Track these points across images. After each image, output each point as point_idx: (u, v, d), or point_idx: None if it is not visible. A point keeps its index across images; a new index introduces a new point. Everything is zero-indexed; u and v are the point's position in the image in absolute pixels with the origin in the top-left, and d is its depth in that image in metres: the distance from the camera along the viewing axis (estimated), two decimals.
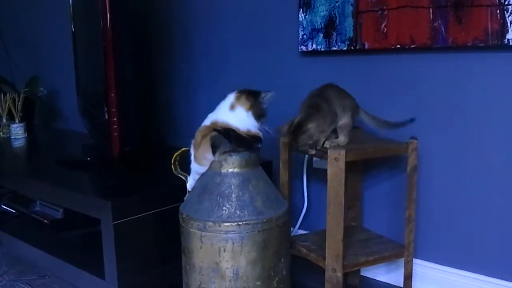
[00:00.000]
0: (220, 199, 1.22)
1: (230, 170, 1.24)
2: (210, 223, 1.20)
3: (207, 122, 1.26)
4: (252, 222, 1.20)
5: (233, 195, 1.22)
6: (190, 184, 1.33)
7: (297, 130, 1.29)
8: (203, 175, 1.29)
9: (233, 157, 1.24)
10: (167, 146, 2.07)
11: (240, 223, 1.19)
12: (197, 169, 1.28)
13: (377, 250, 1.43)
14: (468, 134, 1.43)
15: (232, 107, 1.24)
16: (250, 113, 1.24)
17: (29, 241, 1.76)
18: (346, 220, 1.51)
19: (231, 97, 1.25)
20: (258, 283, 1.22)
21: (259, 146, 1.26)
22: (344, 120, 1.36)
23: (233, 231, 1.19)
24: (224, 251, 1.20)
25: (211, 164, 1.26)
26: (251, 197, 1.23)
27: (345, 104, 1.36)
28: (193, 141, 1.27)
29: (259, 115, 1.24)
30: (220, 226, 1.19)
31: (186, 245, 1.27)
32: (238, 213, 1.20)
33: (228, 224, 1.19)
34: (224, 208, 1.21)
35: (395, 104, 1.55)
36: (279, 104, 1.57)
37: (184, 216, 1.26)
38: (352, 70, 1.62)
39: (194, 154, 1.27)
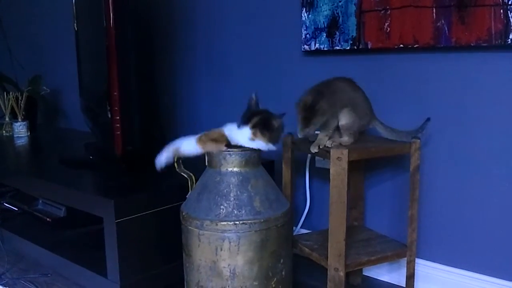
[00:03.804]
0: (218, 198, 1.22)
1: (230, 169, 1.24)
2: (208, 222, 1.20)
3: (225, 131, 1.27)
4: (249, 221, 1.20)
5: (231, 194, 1.22)
6: (163, 156, 1.32)
7: (311, 110, 1.28)
8: (204, 173, 1.29)
9: (233, 156, 1.24)
10: None
11: (237, 222, 1.19)
12: (186, 150, 1.29)
13: (379, 250, 1.43)
14: (471, 134, 1.43)
15: (252, 139, 1.25)
16: (269, 144, 1.26)
17: (32, 239, 1.77)
18: (349, 220, 1.51)
19: (247, 132, 1.24)
20: (255, 283, 1.22)
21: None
22: (345, 120, 1.35)
23: (230, 230, 1.19)
24: (221, 250, 1.20)
25: (211, 162, 1.27)
26: (249, 196, 1.23)
27: (353, 102, 1.35)
28: (199, 136, 1.28)
29: (276, 141, 1.27)
30: (217, 225, 1.19)
31: (186, 243, 1.27)
32: (235, 212, 1.20)
33: (225, 223, 1.19)
34: (221, 207, 1.21)
35: (398, 103, 1.55)
36: (281, 104, 1.57)
37: (184, 214, 1.26)
38: (355, 70, 1.62)
39: (197, 143, 1.28)
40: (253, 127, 1.23)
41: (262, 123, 1.24)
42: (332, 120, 1.34)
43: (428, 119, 1.39)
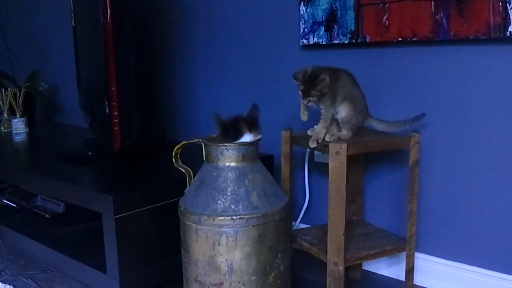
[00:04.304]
0: (216, 193, 1.22)
1: (227, 164, 1.24)
2: (205, 217, 1.20)
3: None
4: (246, 216, 1.19)
5: (229, 189, 1.22)
6: None
7: (313, 78, 1.30)
8: (202, 168, 1.29)
9: (230, 151, 1.23)
10: (167, 140, 2.07)
11: (234, 217, 1.19)
12: None
13: (378, 244, 1.43)
14: (470, 127, 1.43)
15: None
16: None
17: (31, 236, 1.76)
18: (348, 214, 1.51)
19: (248, 138, 1.27)
20: (253, 278, 1.22)
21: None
22: (344, 112, 1.35)
23: (227, 225, 1.19)
24: (219, 245, 1.20)
25: (209, 157, 1.27)
26: (246, 191, 1.22)
27: (352, 96, 1.35)
28: None
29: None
30: (214, 220, 1.19)
31: (183, 238, 1.27)
32: (232, 207, 1.20)
33: (222, 218, 1.19)
34: (219, 202, 1.21)
35: (396, 97, 1.55)
36: (280, 98, 1.57)
37: (182, 209, 1.26)
38: (354, 64, 1.61)
39: None
40: (256, 131, 1.27)
41: (253, 123, 1.27)
42: (330, 108, 1.34)
43: (423, 114, 1.39)
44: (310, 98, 1.31)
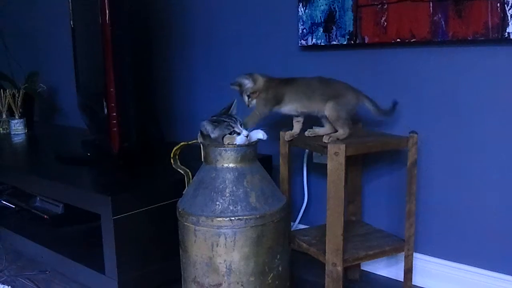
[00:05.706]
0: (214, 194, 1.22)
1: (225, 165, 1.24)
2: (203, 218, 1.20)
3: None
4: (245, 217, 1.19)
5: (227, 190, 1.22)
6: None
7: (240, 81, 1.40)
8: (200, 169, 1.29)
9: (228, 152, 1.23)
10: (166, 141, 2.07)
11: (233, 218, 1.19)
12: None
13: (377, 244, 1.43)
14: (468, 128, 1.43)
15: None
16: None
17: (30, 237, 1.76)
18: (346, 215, 1.51)
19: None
20: (251, 278, 1.22)
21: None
22: (328, 112, 1.35)
23: (225, 226, 1.19)
24: (217, 246, 1.20)
25: (207, 158, 1.27)
26: (245, 192, 1.22)
27: (333, 92, 1.35)
28: None
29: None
30: (212, 221, 1.19)
31: (182, 239, 1.27)
32: (231, 208, 1.20)
33: (221, 219, 1.19)
34: (217, 203, 1.21)
35: (395, 98, 1.54)
36: None
37: (180, 210, 1.26)
38: (352, 65, 1.62)
39: None
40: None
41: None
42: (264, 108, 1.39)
43: (396, 102, 1.40)
44: (247, 98, 1.40)
